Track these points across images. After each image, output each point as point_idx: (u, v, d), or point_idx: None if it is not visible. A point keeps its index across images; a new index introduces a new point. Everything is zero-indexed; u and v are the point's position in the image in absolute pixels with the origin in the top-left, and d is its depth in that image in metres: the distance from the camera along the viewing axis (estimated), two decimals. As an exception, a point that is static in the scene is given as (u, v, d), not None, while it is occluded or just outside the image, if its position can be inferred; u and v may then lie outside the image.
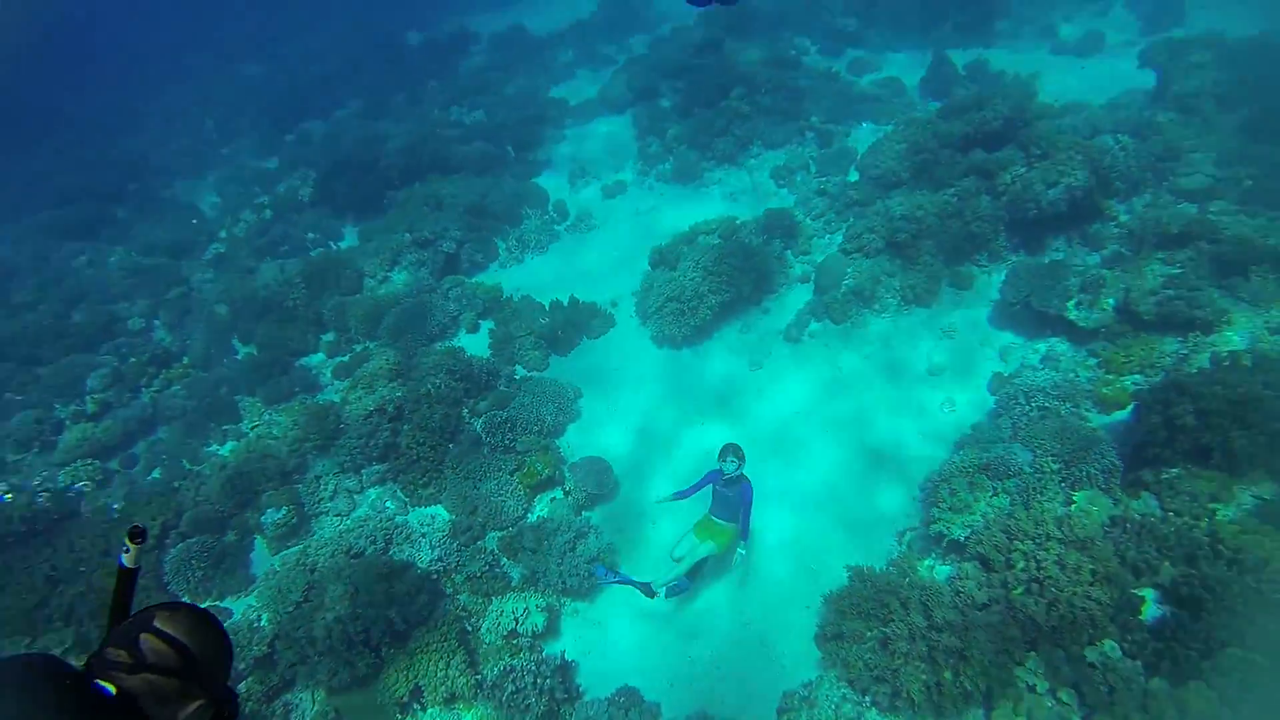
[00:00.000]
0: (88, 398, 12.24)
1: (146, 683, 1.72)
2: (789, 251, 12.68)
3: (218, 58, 28.27)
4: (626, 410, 11.02)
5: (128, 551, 2.24)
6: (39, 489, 10.63)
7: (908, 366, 10.59)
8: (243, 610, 9.29)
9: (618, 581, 8.61)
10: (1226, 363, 8.18)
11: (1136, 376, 9.17)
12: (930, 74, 16.22)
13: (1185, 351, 9.08)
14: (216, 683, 1.86)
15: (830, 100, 15.96)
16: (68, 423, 12.02)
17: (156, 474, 11.25)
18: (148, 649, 1.75)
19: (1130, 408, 8.68)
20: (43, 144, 23.31)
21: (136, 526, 2.13)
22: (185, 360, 13.17)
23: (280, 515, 9.95)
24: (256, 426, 11.61)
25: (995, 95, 12.76)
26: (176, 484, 10.75)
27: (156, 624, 1.80)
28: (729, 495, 7.97)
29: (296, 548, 9.77)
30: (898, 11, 19.16)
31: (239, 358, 13.02)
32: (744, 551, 8.15)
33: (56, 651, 8.55)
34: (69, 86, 27.36)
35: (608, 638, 8.75)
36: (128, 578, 2.13)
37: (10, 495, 10.24)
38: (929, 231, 11.39)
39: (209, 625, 1.93)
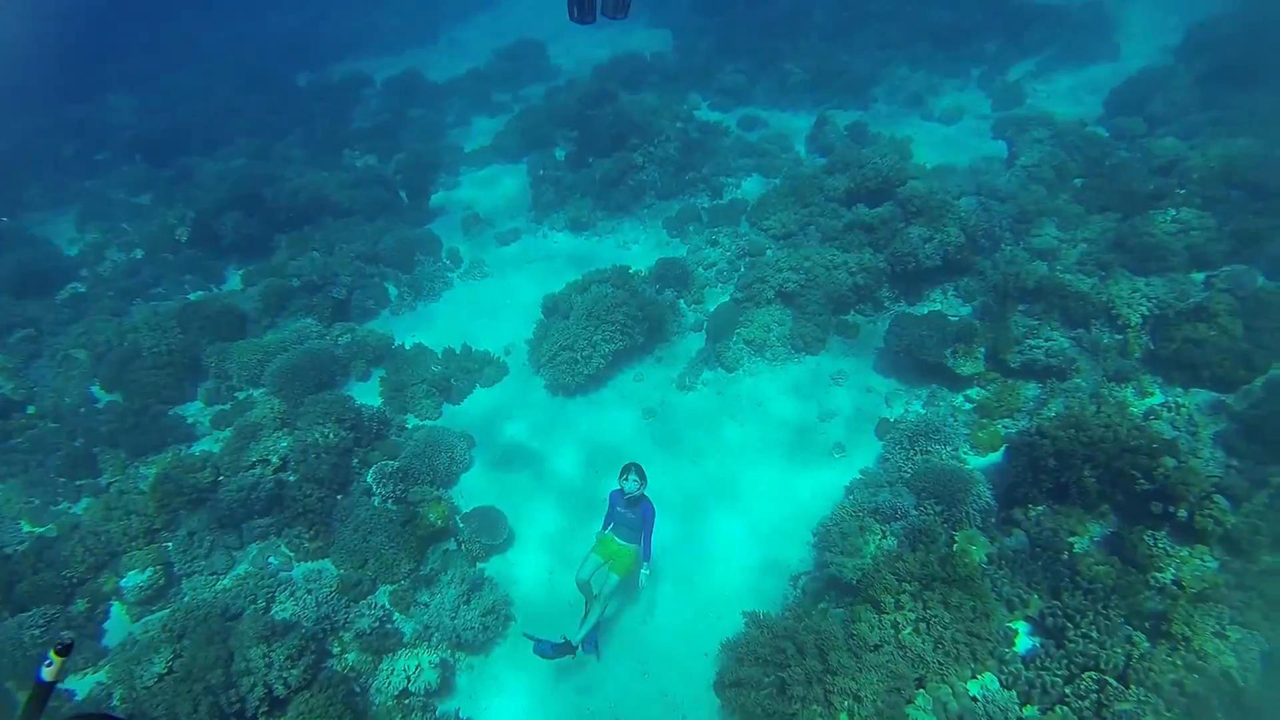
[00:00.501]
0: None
1: None
2: (682, 300, 13.07)
3: (83, 84, 26.65)
4: (522, 459, 10.95)
5: (49, 665, 2.18)
6: None
7: (800, 414, 11.03)
8: (89, 689, 8.50)
9: (549, 652, 8.16)
10: (1078, 406, 9.09)
11: (1007, 420, 9.98)
12: (815, 131, 17.28)
13: (1044, 396, 10.02)
14: None
15: (721, 153, 16.70)
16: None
17: (-6, 537, 10.20)
18: None
19: (1002, 450, 9.42)
20: None
21: (64, 641, 2.10)
22: (29, 410, 12.12)
23: (144, 578, 9.27)
24: (117, 481, 10.79)
25: (875, 154, 13.75)
26: (9, 549, 9.83)
27: None
28: (630, 516, 7.92)
29: (162, 612, 9.08)
30: (783, 72, 20.41)
31: (99, 406, 12.10)
32: (647, 572, 8.08)
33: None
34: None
35: (504, 693, 8.54)
36: (44, 691, 2.07)
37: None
38: (816, 282, 12.02)
39: None
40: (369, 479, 10.14)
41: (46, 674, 2.17)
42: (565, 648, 8.08)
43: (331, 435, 10.28)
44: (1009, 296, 11.16)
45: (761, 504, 9.91)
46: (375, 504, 9.92)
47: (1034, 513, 8.46)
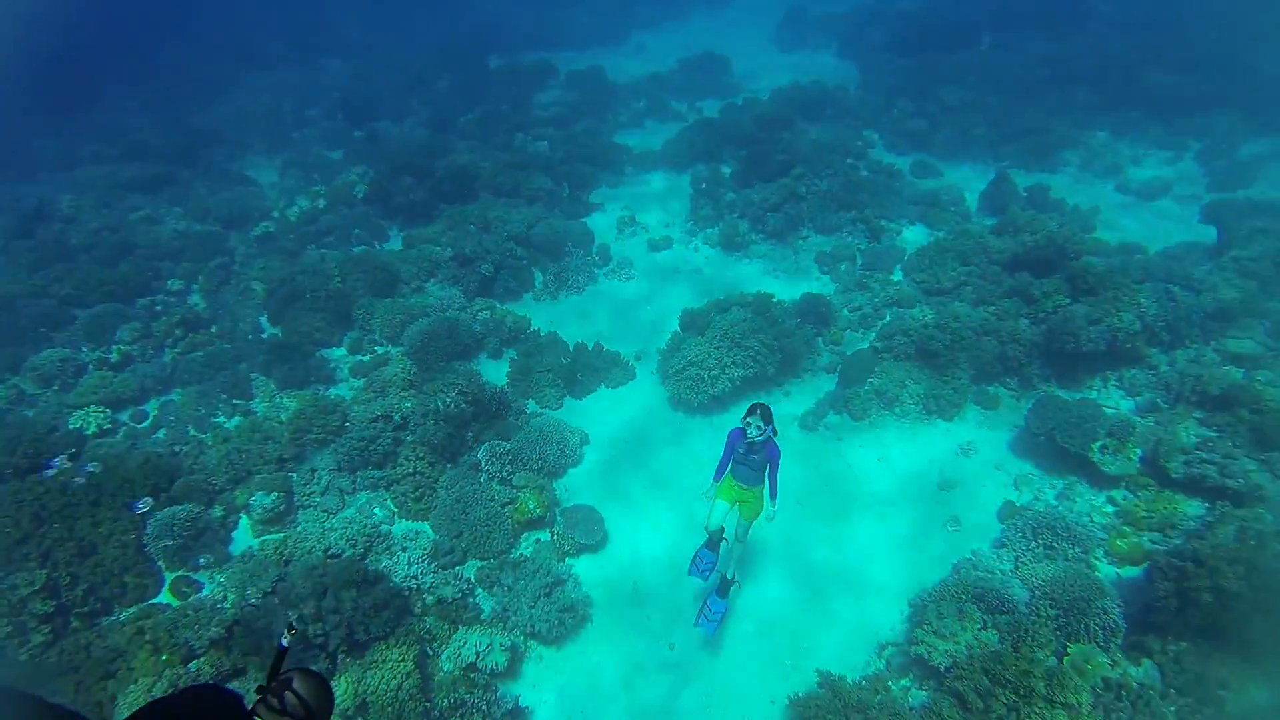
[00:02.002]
0: (114, 347, 12.46)
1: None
2: (820, 339, 12.73)
3: (305, 48, 29.24)
4: (629, 466, 10.99)
5: (285, 637, 2.99)
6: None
7: (919, 477, 10.50)
8: (212, 586, 9.31)
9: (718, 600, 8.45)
10: (1254, 542, 7.74)
11: (1155, 535, 8.97)
12: (990, 189, 16.39)
13: (1211, 520, 8.74)
14: None
15: (887, 196, 16.16)
16: (90, 367, 12.22)
17: (162, 434, 11.34)
18: (288, 702, 2.61)
19: (1143, 567, 8.50)
20: (128, 97, 24.10)
21: (291, 625, 2.86)
22: (213, 329, 13.38)
23: (270, 500, 9.99)
24: (266, 407, 11.72)
25: (1051, 222, 12.85)
26: (177, 448, 10.88)
27: (294, 685, 2.67)
28: (754, 459, 7.50)
29: (278, 535, 9.78)
30: (967, 123, 19.50)
31: (264, 336, 13.20)
32: (773, 514, 7.74)
33: (22, 592, 8.59)
34: (162, 46, 28.31)
35: (565, 692, 8.61)
36: (282, 653, 2.84)
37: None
38: (963, 345, 11.40)
39: (325, 689, 2.75)
40: (480, 455, 10.50)
41: (285, 640, 2.95)
42: (725, 586, 8.34)
43: (453, 405, 10.71)
44: (1184, 399, 10.11)
45: (862, 561, 9.50)
46: (481, 480, 10.26)
47: (1174, 648, 7.53)
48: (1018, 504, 9.81)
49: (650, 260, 15.42)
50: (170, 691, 7.92)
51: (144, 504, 9.93)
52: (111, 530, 9.48)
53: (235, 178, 19.03)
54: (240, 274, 14.53)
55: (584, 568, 9.71)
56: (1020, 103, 20.55)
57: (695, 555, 8.66)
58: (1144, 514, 9.14)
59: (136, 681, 7.96)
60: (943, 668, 7.76)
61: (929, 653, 7.88)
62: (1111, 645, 7.74)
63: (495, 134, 20.42)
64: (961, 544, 9.50)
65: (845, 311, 13.22)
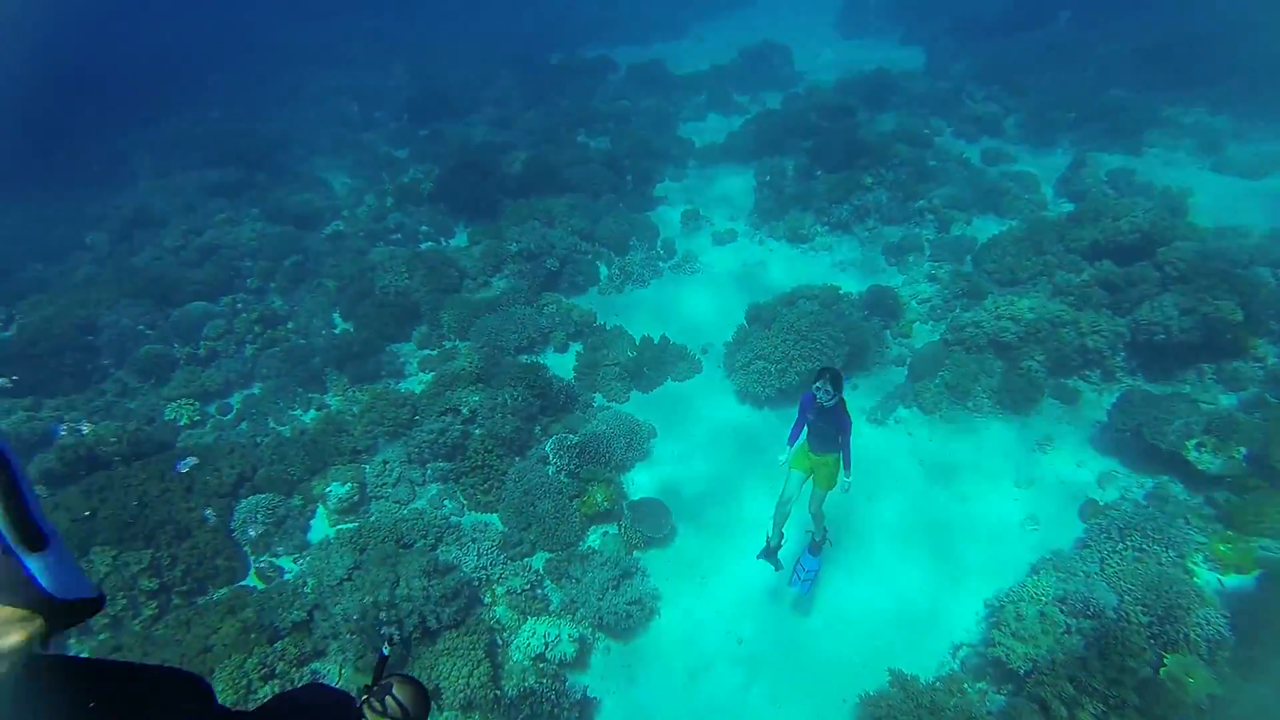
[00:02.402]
0: (201, 343, 12.99)
1: None
2: (888, 331, 12.48)
3: (371, 52, 29.93)
4: (697, 460, 10.95)
5: (386, 647, 3.53)
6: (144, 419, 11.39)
7: (993, 471, 10.19)
8: (294, 572, 9.65)
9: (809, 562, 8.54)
10: None
11: (1266, 541, 8.37)
12: (1068, 174, 15.76)
13: None
14: None
15: (957, 186, 15.70)
16: (180, 362, 12.78)
17: (244, 426, 11.78)
18: (389, 705, 2.80)
19: (1254, 576, 8.01)
20: (209, 108, 25.11)
21: (391, 637, 3.41)
22: (289, 325, 13.82)
23: (345, 491, 10.27)
24: (339, 400, 12.05)
25: (1136, 207, 12.28)
26: (259, 439, 11.28)
27: (394, 690, 2.85)
28: (824, 428, 7.41)
29: (353, 524, 10.05)
30: (1043, 106, 18.76)
31: (336, 332, 13.57)
32: (848, 484, 7.63)
33: (132, 570, 9.09)
34: (238, 57, 29.38)
35: (635, 683, 8.64)
36: (384, 660, 3.04)
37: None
38: (1039, 337, 11.01)
39: (422, 695, 2.93)
40: (548, 447, 10.59)
41: (386, 650, 3.20)
42: (816, 547, 8.43)
43: (520, 399, 10.83)
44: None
45: (935, 556, 9.28)
46: (549, 473, 10.35)
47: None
48: (1102, 503, 9.41)
49: (715, 254, 15.32)
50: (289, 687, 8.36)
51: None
52: (204, 516, 9.92)
53: (307, 179, 19.62)
54: (313, 272, 14.95)
55: (652, 561, 9.71)
56: (1101, 82, 19.69)
57: (760, 552, 8.57)
58: (1252, 517, 8.53)
59: (230, 657, 8.31)
60: (1022, 672, 7.50)
61: (1007, 655, 7.64)
62: (1217, 659, 7.27)
63: (558, 130, 20.58)
64: (1040, 543, 9.18)
65: (914, 304, 12.92)
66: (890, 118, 19.07)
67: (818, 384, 7.08)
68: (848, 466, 7.55)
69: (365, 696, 2.85)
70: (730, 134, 19.57)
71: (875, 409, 11.21)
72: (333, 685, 2.90)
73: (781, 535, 8.30)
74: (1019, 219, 14.31)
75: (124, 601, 9.01)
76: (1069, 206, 14.59)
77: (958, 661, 8.22)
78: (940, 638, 8.47)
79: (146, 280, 14.55)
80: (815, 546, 8.49)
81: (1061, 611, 7.82)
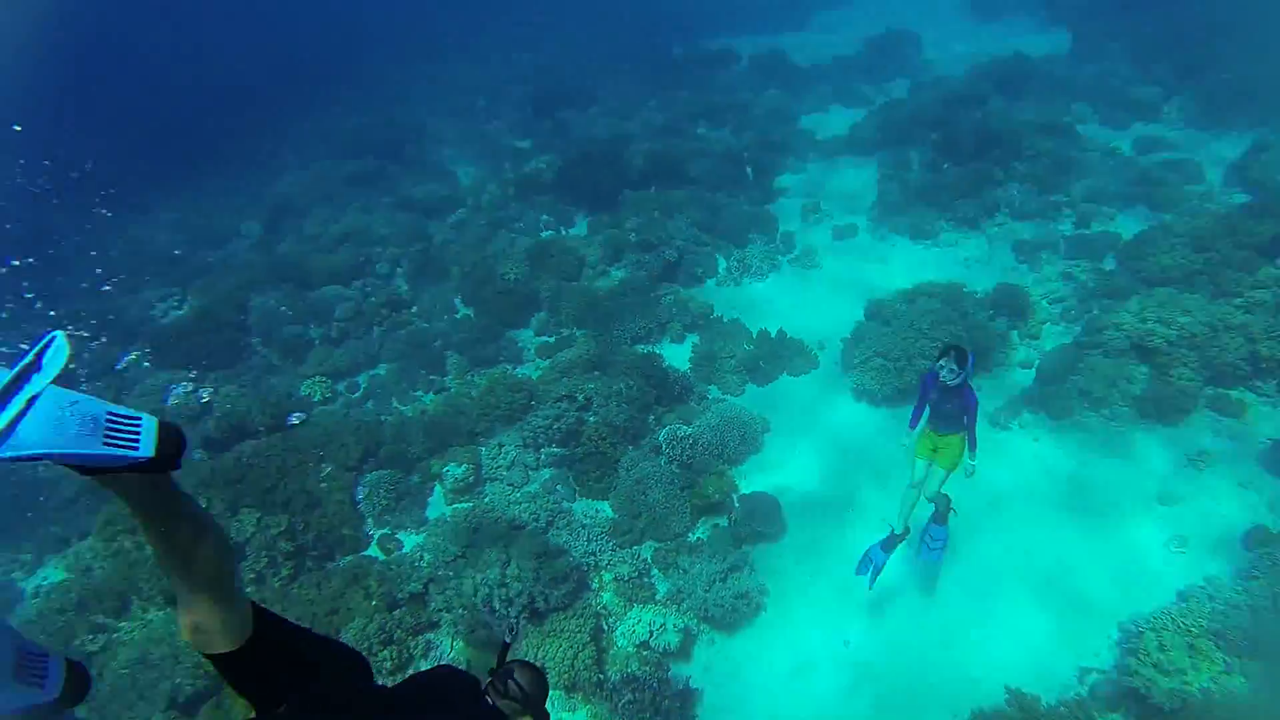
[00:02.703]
0: (333, 324, 13.67)
1: (508, 706, 2.94)
2: (1015, 332, 11.77)
3: (500, 42, 30.72)
4: (810, 456, 10.65)
5: (508, 635, 3.75)
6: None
7: (1132, 485, 9.40)
8: (411, 546, 9.98)
9: (879, 556, 8.13)
10: None
11: None
12: (1244, 161, 14.24)
13: None
14: (541, 711, 3.02)
15: (1101, 177, 14.59)
16: (316, 342, 13.50)
17: (370, 405, 12.30)
18: (511, 688, 2.95)
19: None
20: (348, 102, 26.49)
21: (513, 626, 3.74)
22: (414, 309, 14.33)
23: (461, 471, 10.53)
24: (458, 383, 12.39)
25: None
26: (383, 418, 11.74)
27: (516, 675, 2.99)
28: (948, 408, 7.13)
29: (468, 504, 10.30)
30: (1213, 86, 17.05)
31: (458, 317, 13.96)
32: (973, 464, 7.37)
33: (273, 532, 9.64)
34: (369, 60, 30.77)
35: (737, 678, 8.50)
36: (506, 647, 3.22)
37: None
38: (1193, 342, 10.05)
39: (541, 680, 3.09)
40: (660, 437, 10.54)
41: (509, 638, 3.50)
42: (894, 539, 7.96)
43: (635, 388, 10.81)
44: None
45: (1062, 573, 8.66)
46: (661, 463, 10.29)
47: None
48: (1275, 530, 8.46)
49: (835, 248, 14.86)
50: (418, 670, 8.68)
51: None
52: (331, 487, 10.42)
53: (435, 169, 20.36)
54: (438, 259, 15.44)
55: (760, 556, 9.51)
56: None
57: (866, 553, 8.25)
58: None
59: (354, 620, 8.70)
60: (1165, 707, 6.84)
61: (1148, 688, 7.01)
62: None
63: (679, 121, 20.48)
64: (1189, 568, 8.39)
65: (1045, 304, 12.13)
66: (1027, 106, 17.87)
67: (941, 361, 6.84)
68: (973, 448, 7.28)
69: (490, 679, 3.02)
70: (854, 126, 18.91)
71: (998, 413, 10.57)
72: (461, 669, 3.26)
73: (907, 528, 7.97)
74: (1176, 212, 13.12)
75: (266, 560, 9.58)
76: (1241, 198, 13.25)
77: (1085, 687, 7.63)
78: (1066, 659, 7.90)
79: (288, 265, 15.46)
80: (940, 516, 8.08)
81: (1217, 646, 7.08)
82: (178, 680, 8.48)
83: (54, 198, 14.99)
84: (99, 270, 15.54)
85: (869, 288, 13.01)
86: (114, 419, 1.59)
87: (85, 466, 1.57)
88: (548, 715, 3.08)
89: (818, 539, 9.58)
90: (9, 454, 1.43)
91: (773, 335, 12.20)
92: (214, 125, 23.18)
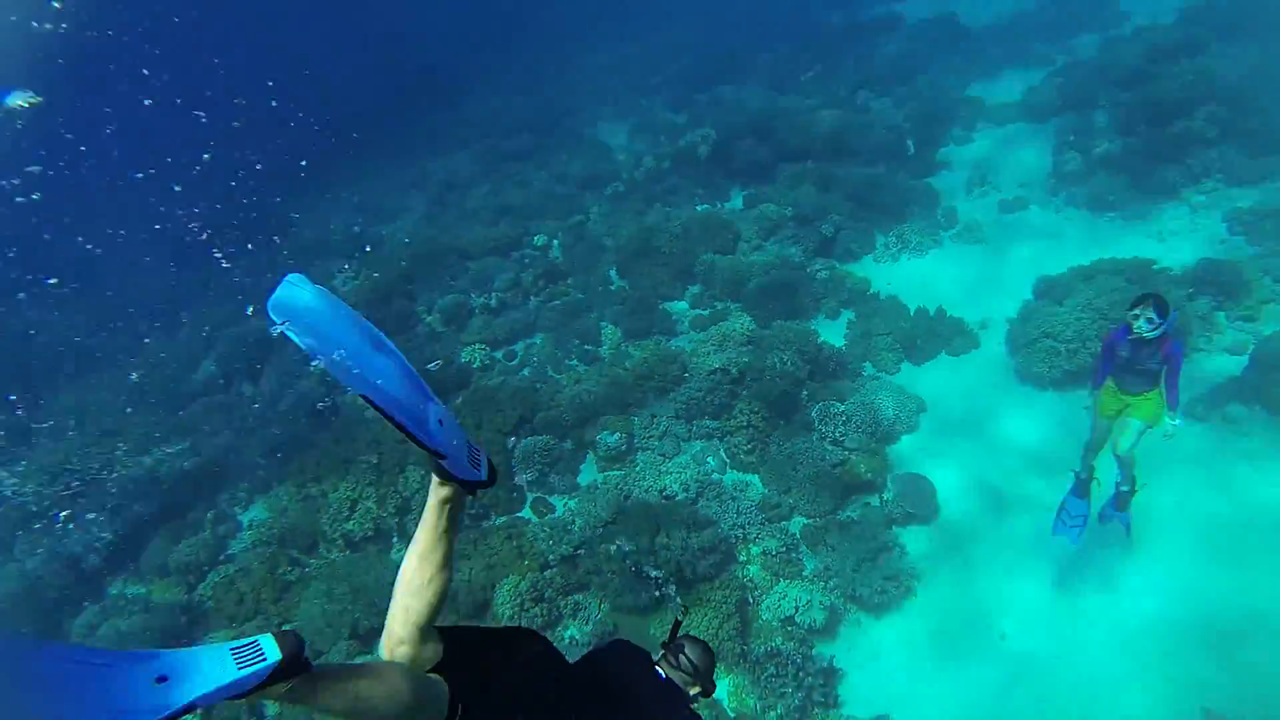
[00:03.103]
0: (493, 294, 14.34)
1: (680, 678, 3.13)
2: (1221, 314, 10.61)
3: (655, 19, 30.72)
4: (969, 439, 10.20)
5: (680, 614, 4.31)
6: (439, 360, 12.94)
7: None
8: (562, 509, 10.39)
9: (1077, 506, 7.62)
10: None
11: None
12: None
13: None
14: (711, 683, 3.22)
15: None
16: (476, 311, 14.22)
17: (526, 372, 12.84)
18: (684, 661, 3.15)
19: None
20: (503, 82, 27.51)
21: (686, 608, 4.00)
22: (569, 280, 14.78)
23: (614, 440, 10.83)
24: (612, 354, 12.69)
25: None
26: (538, 385, 12.23)
27: (686, 649, 3.19)
28: (1142, 365, 6.43)
29: (619, 473, 10.59)
30: None
31: (613, 288, 14.27)
32: (1175, 423, 6.63)
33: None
34: (528, 40, 31.67)
35: (879, 659, 8.40)
36: (677, 624, 3.40)
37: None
38: None
39: (710, 654, 3.27)
40: (813, 414, 10.40)
41: (680, 616, 4.15)
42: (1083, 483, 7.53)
43: (789, 363, 10.69)
44: None
45: (1267, 571, 7.79)
46: (813, 439, 10.17)
47: None
48: None
49: (1001, 222, 13.95)
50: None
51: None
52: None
53: (590, 144, 20.78)
54: (593, 232, 15.81)
55: (912, 538, 9.30)
56: None
57: (1061, 507, 7.69)
58: None
59: (507, 577, 9.20)
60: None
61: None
62: None
63: (836, 92, 19.78)
64: None
65: (1268, 281, 10.79)
66: (1253, 50, 15.61)
67: (1136, 310, 6.20)
68: (1174, 405, 6.53)
69: (662, 652, 3.22)
70: (1028, 90, 17.53)
71: (1196, 402, 9.60)
72: (632, 642, 3.24)
73: (1092, 470, 7.43)
74: None
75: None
76: None
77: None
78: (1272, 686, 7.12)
79: (452, 237, 16.33)
80: (1121, 499, 7.42)
81: None
82: (357, 615, 9.35)
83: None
84: (285, 252, 17.39)
85: (1039, 265, 12.16)
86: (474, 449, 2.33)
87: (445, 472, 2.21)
88: (715, 686, 3.25)
89: (974, 525, 9.23)
90: None
91: (931, 313, 11.72)
92: (395, 110, 24.74)
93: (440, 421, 2.15)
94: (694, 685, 3.15)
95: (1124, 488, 7.39)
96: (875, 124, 17.01)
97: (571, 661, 2.81)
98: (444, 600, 2.28)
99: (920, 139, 16.46)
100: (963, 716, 7.67)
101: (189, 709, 1.62)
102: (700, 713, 3.19)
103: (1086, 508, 7.58)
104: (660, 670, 3.11)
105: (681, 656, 3.15)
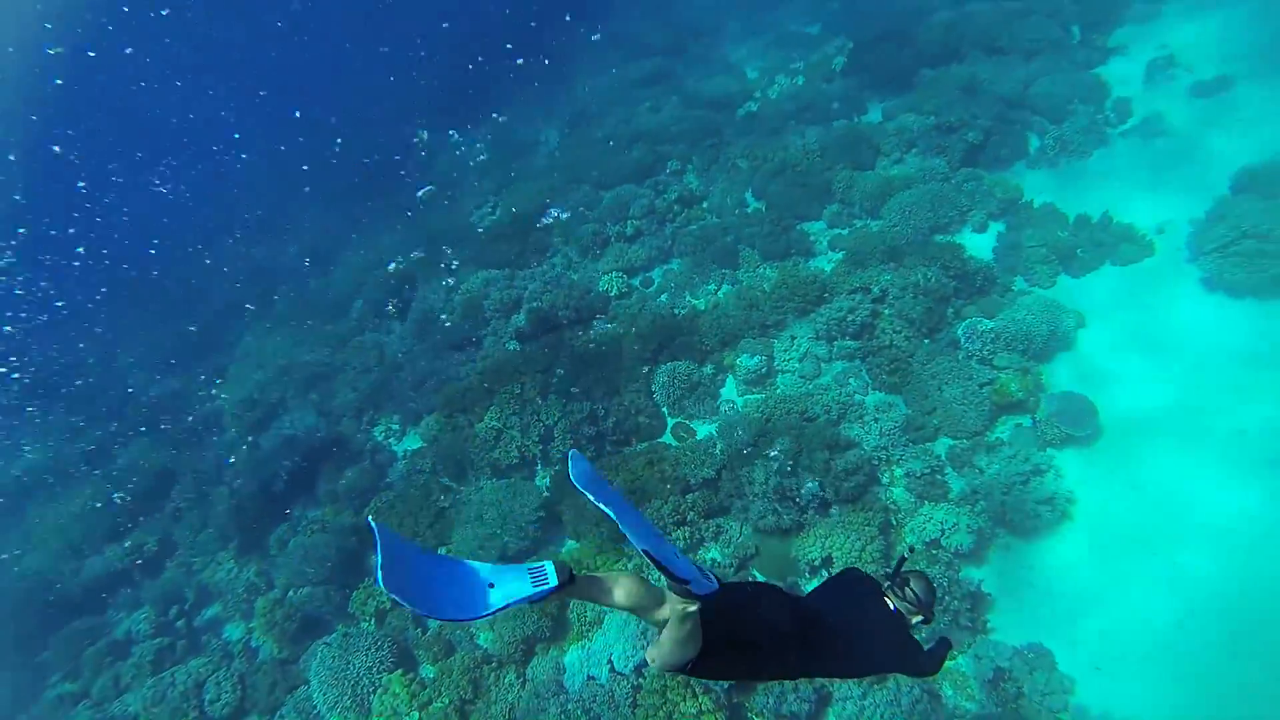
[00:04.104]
0: (628, 222, 14.48)
1: (906, 609, 3.41)
2: None
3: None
4: (1136, 355, 9.51)
5: (909, 553, 4.29)
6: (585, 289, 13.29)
7: None
8: (704, 434, 10.58)
9: None
10: None
11: None
12: None
13: None
14: (932, 613, 3.46)
15: None
16: (612, 240, 14.45)
17: (664, 298, 12.99)
18: (909, 594, 3.41)
19: None
20: (632, 8, 26.93)
21: (912, 548, 4.28)
22: (704, 204, 14.66)
23: (754, 363, 10.86)
24: (750, 277, 12.57)
25: None
26: (677, 311, 12.36)
27: (911, 582, 3.46)
28: None
29: (759, 395, 10.64)
30: None
31: (749, 211, 14.04)
32: None
33: (576, 417, 10.81)
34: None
35: (1033, 587, 8.18)
36: (902, 560, 3.59)
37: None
38: None
39: (932, 589, 3.52)
40: (959, 331, 9.98)
41: (906, 554, 3.97)
42: None
43: (933, 279, 10.26)
44: None
45: None
46: (959, 358, 9.80)
47: None
48: None
49: (1191, 109, 12.35)
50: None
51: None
52: (630, 378, 11.31)
53: (720, 64, 20.18)
54: (727, 153, 15.51)
55: (1068, 461, 8.88)
56: None
57: None
58: None
59: (651, 502, 9.56)
60: None
61: None
62: None
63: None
64: None
65: None
66: None
67: None
68: None
69: (888, 584, 3.51)
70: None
71: None
72: (864, 572, 3.70)
73: None
74: None
75: (571, 442, 10.78)
76: None
77: None
78: None
79: (585, 167, 16.52)
80: None
81: None
82: (506, 539, 10.05)
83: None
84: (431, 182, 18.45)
85: (1239, 156, 10.78)
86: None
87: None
88: (934, 617, 3.54)
89: (1144, 451, 8.66)
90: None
91: (1094, 220, 10.81)
92: (521, 45, 24.96)
93: (491, 584, 2.75)
94: (916, 614, 3.44)
95: None
96: (1034, 10, 15.41)
97: (807, 594, 3.47)
98: None
99: (1088, 22, 14.78)
100: (1128, 649, 7.41)
101: (505, 609, 2.66)
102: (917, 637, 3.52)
103: None
104: (888, 601, 3.43)
105: (908, 589, 3.44)
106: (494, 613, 2.66)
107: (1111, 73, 13.66)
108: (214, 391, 16.05)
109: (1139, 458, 8.61)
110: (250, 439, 13.77)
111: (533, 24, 22.23)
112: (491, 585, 2.70)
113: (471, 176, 19.19)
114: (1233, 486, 8.01)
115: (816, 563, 8.69)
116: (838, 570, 3.73)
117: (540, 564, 2.77)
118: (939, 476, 9.14)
